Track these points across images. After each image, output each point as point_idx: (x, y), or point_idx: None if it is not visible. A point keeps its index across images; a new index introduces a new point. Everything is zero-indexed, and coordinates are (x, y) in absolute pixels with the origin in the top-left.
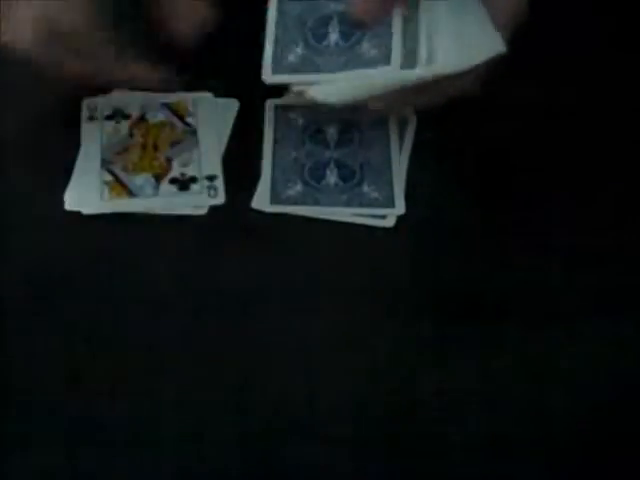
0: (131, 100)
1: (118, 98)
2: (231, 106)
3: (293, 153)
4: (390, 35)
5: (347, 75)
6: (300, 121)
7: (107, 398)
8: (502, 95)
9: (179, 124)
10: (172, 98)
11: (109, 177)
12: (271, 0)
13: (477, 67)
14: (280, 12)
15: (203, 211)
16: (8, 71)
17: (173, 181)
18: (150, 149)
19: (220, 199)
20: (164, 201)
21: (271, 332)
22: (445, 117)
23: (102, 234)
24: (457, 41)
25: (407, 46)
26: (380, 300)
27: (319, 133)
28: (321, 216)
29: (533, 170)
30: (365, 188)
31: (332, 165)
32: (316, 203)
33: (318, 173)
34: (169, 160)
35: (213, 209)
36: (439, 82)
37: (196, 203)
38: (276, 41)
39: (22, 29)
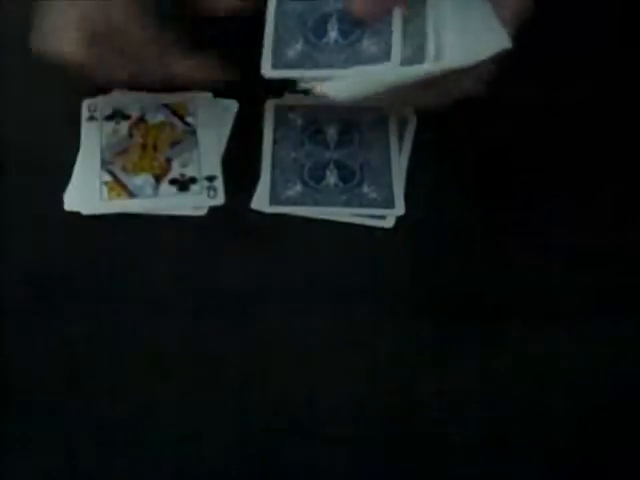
0: (131, 100)
1: (118, 99)
2: (231, 107)
3: (293, 154)
4: (390, 32)
5: (357, 71)
6: (300, 122)
7: (107, 398)
8: (502, 95)
9: (179, 124)
10: (172, 99)
11: (109, 177)
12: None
13: (483, 62)
14: (280, 11)
15: (203, 212)
16: (8, 71)
17: (173, 182)
18: (150, 149)
19: (220, 200)
20: (164, 201)
21: (271, 332)
22: (445, 117)
23: (102, 234)
24: (464, 37)
25: (407, 43)
26: (380, 300)
27: (319, 134)
28: (321, 217)
29: (533, 170)
30: (365, 189)
31: (332, 166)
32: (316, 204)
33: (318, 174)
34: (169, 160)
35: (213, 210)
36: (444, 81)
37: (196, 204)
38: (276, 37)
39: (67, 31)
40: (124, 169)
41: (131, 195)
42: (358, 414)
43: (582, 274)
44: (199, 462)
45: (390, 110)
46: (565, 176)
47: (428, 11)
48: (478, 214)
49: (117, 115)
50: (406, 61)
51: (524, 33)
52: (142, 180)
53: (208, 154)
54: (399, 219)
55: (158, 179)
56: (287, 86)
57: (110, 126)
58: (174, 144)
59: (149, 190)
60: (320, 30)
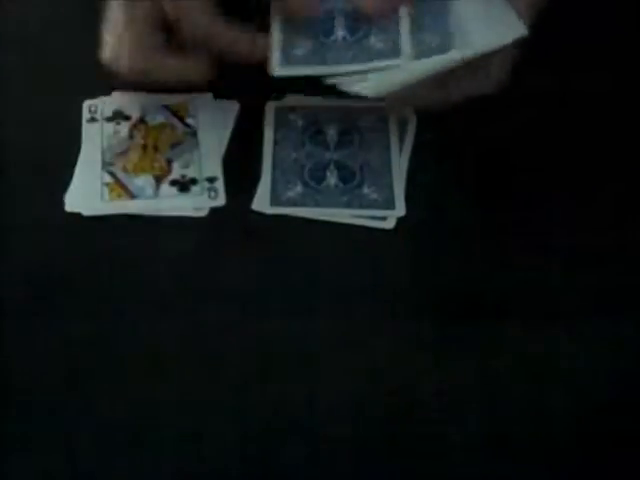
0: (131, 102)
1: (118, 100)
2: (231, 108)
3: (293, 154)
4: (397, 28)
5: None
6: (300, 122)
7: (107, 398)
8: (502, 96)
9: (179, 126)
10: (172, 100)
11: (109, 178)
12: None
13: (504, 49)
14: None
15: (203, 213)
16: (8, 71)
17: (173, 183)
18: (150, 150)
19: (220, 201)
20: (164, 202)
21: (271, 332)
22: (445, 117)
23: (102, 235)
24: (484, 25)
25: (425, 37)
26: (380, 300)
27: (319, 134)
28: (321, 217)
29: (533, 170)
30: (365, 189)
31: (332, 166)
32: (316, 205)
33: (318, 174)
34: (169, 162)
35: (213, 211)
36: (460, 78)
37: (196, 205)
38: (283, 37)
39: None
40: (125, 170)
41: (132, 196)
42: (358, 414)
43: (582, 274)
44: (199, 462)
45: (390, 110)
46: (565, 176)
47: (451, 4)
48: (478, 214)
49: (118, 116)
50: (424, 54)
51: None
52: (143, 181)
53: (209, 155)
54: (399, 220)
55: (159, 180)
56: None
57: (111, 127)
58: (175, 145)
59: (150, 191)
60: (327, 28)
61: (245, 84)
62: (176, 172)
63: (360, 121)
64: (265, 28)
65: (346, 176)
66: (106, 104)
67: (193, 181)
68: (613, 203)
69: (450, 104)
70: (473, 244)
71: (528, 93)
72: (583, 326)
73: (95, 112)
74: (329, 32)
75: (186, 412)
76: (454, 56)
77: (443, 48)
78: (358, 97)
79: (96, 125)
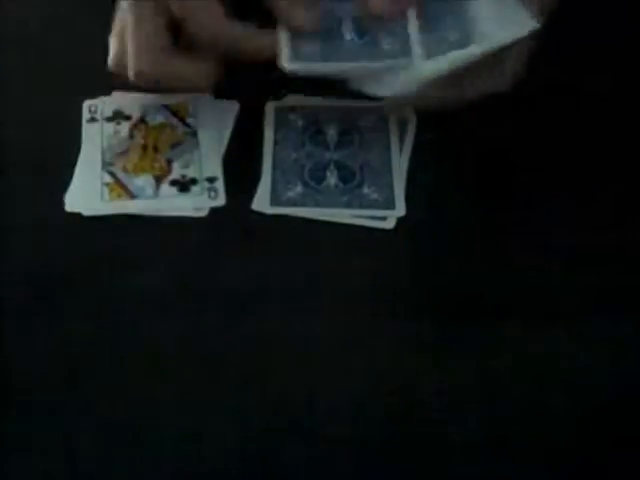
0: (131, 102)
1: (119, 100)
2: (231, 108)
3: (293, 154)
4: (406, 29)
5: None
6: (300, 123)
7: (107, 398)
8: (501, 96)
9: (179, 126)
10: (172, 100)
11: (109, 178)
12: None
13: (519, 41)
14: None
15: (203, 213)
16: (8, 71)
17: (173, 183)
18: (150, 151)
19: (220, 201)
20: (164, 202)
21: (271, 332)
22: (445, 117)
23: (102, 235)
24: (499, 20)
25: (433, 35)
26: (380, 300)
27: (319, 134)
28: (321, 217)
29: (533, 170)
30: (365, 190)
31: (332, 167)
32: (316, 205)
33: (318, 174)
34: (169, 162)
35: (213, 211)
36: (475, 76)
37: (196, 205)
38: (292, 34)
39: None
40: (125, 170)
41: (132, 196)
42: (358, 414)
43: (582, 274)
44: (199, 462)
45: (390, 110)
46: (565, 176)
47: (467, 3)
48: (478, 214)
49: (118, 116)
50: (442, 50)
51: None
52: (143, 181)
53: (209, 155)
54: (399, 220)
55: (159, 180)
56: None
57: (111, 127)
58: (175, 145)
59: (150, 191)
60: (335, 32)
61: (245, 84)
62: (176, 172)
63: (360, 121)
64: (271, 25)
65: (346, 176)
66: (106, 104)
67: (193, 181)
68: (613, 203)
69: (464, 103)
70: (473, 244)
71: (528, 93)
72: (583, 326)
73: (95, 112)
74: (337, 37)
75: (186, 412)
76: (473, 51)
77: (461, 43)
78: (359, 97)
79: (96, 125)
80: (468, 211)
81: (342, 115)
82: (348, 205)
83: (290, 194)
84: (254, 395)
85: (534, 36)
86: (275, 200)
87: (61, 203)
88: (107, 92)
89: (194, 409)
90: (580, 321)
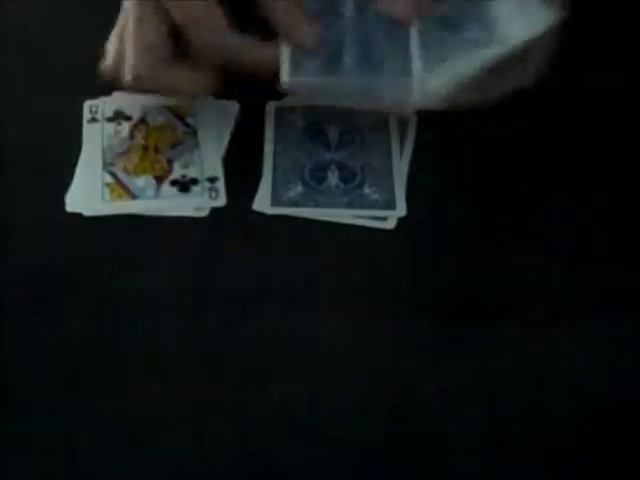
0: (132, 102)
1: (119, 100)
2: (232, 108)
3: (294, 155)
4: (407, 48)
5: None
6: (300, 123)
7: (107, 398)
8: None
9: (180, 126)
10: (173, 100)
11: (110, 179)
12: None
13: (540, 37)
14: None
15: (204, 213)
16: (8, 71)
17: (174, 183)
18: (151, 151)
19: (221, 201)
20: (165, 203)
21: (271, 332)
22: (445, 117)
23: (103, 235)
24: (521, 20)
25: (456, 36)
26: (380, 300)
27: (319, 134)
28: (322, 218)
29: (533, 170)
30: (366, 190)
31: (333, 167)
32: (317, 205)
33: (319, 175)
34: (170, 162)
35: (214, 211)
36: (499, 75)
37: (197, 205)
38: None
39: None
40: (125, 170)
41: (132, 196)
42: (358, 414)
43: (582, 274)
44: (199, 462)
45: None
46: (565, 176)
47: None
48: (478, 214)
49: (118, 116)
50: (468, 51)
51: None
52: (143, 181)
53: (209, 155)
54: (400, 220)
55: (159, 180)
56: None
57: (111, 127)
58: (175, 145)
59: (150, 191)
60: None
61: (245, 84)
62: (177, 172)
63: (361, 121)
64: (273, 38)
65: (347, 176)
66: (107, 104)
67: (194, 181)
68: (613, 203)
69: (488, 103)
70: (473, 244)
71: (528, 93)
72: (583, 326)
73: (96, 112)
74: (339, 54)
75: (186, 412)
76: (497, 51)
77: (485, 44)
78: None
79: (97, 125)
80: (468, 211)
81: (342, 115)
82: (349, 205)
83: (291, 194)
84: (254, 395)
85: (556, 31)
86: (276, 200)
87: (62, 203)
88: (108, 92)
89: (194, 409)
90: (580, 321)
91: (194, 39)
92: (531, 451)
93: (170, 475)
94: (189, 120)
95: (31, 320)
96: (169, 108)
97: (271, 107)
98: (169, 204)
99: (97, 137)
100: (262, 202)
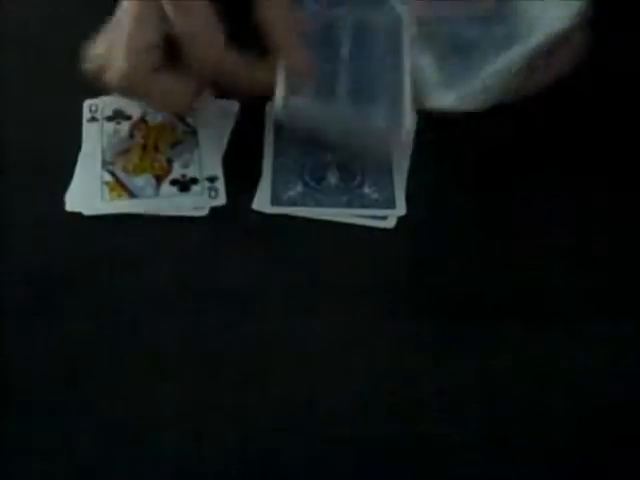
0: (132, 101)
1: (119, 99)
2: (232, 108)
3: (294, 154)
4: (401, 93)
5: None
6: None
7: (107, 398)
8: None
9: (179, 125)
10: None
11: (110, 178)
12: None
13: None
14: None
15: (204, 212)
16: (8, 71)
17: (174, 182)
18: (151, 150)
19: (221, 200)
20: (165, 202)
21: (271, 332)
22: (445, 117)
23: (103, 235)
24: (547, 10)
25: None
26: (380, 300)
27: (319, 134)
28: (322, 217)
29: (533, 170)
30: (366, 189)
31: (333, 166)
32: (317, 204)
33: (318, 174)
34: (170, 161)
35: (214, 210)
36: (533, 68)
37: (197, 204)
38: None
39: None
40: (125, 170)
41: (132, 196)
42: (358, 414)
43: (582, 274)
44: (199, 462)
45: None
46: (565, 176)
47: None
48: (478, 214)
49: (118, 116)
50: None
51: None
52: (143, 181)
53: (209, 154)
54: (400, 219)
55: (159, 180)
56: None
57: (111, 127)
58: (175, 145)
59: (150, 191)
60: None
61: None
62: (176, 172)
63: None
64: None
65: (347, 176)
66: (106, 103)
67: (193, 181)
68: (613, 203)
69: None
70: (473, 244)
71: (528, 93)
72: (583, 326)
73: (95, 111)
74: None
75: (186, 412)
76: (533, 44)
77: (519, 38)
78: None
79: (96, 124)
80: (468, 211)
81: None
82: (349, 205)
83: (290, 193)
84: (254, 395)
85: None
86: (275, 200)
87: (61, 203)
88: (107, 92)
89: (194, 409)
90: (580, 321)
91: (190, 51)
92: (531, 451)
93: (170, 475)
94: (189, 119)
95: (31, 320)
96: None
97: (271, 107)
98: (169, 203)
99: (97, 136)
100: (262, 201)
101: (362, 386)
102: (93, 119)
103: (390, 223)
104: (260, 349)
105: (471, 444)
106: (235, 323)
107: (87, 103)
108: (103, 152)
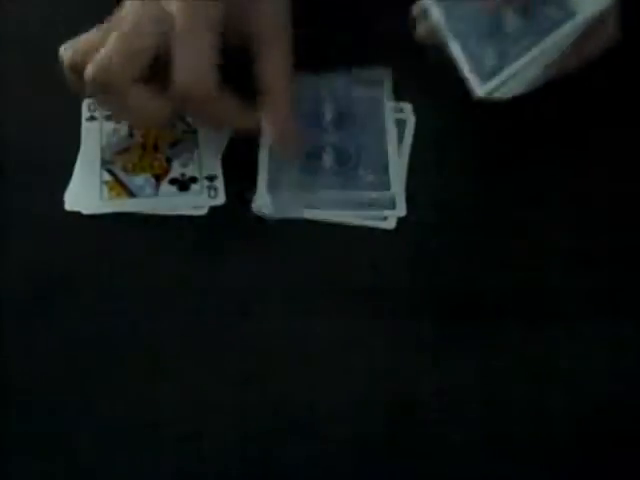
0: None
1: None
2: None
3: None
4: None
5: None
6: None
7: (107, 398)
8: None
9: (179, 124)
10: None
11: (109, 177)
12: None
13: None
14: None
15: (203, 211)
16: (8, 71)
17: (173, 181)
18: (150, 149)
19: (220, 199)
20: (164, 201)
21: (271, 332)
22: (445, 116)
23: (102, 234)
24: None
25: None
26: (380, 300)
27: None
28: (321, 217)
29: (533, 169)
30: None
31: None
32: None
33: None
34: (169, 160)
35: (213, 209)
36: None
37: (196, 203)
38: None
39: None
40: (124, 169)
41: (131, 195)
42: (358, 414)
43: (582, 274)
44: (199, 462)
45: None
46: (565, 176)
47: None
48: (478, 214)
49: None
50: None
51: None
52: (142, 180)
53: (208, 154)
54: (400, 220)
55: (158, 179)
56: None
57: (110, 126)
58: (174, 144)
59: (149, 190)
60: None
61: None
62: (176, 171)
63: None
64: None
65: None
66: None
67: (193, 180)
68: (613, 203)
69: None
70: (473, 244)
71: (528, 93)
72: (583, 326)
73: (95, 111)
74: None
75: (186, 412)
76: (579, 21)
77: (566, 17)
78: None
79: (96, 124)
80: (468, 211)
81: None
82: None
83: (289, 192)
84: (254, 395)
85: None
86: (275, 199)
87: (61, 202)
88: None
89: (194, 409)
90: (580, 321)
91: (178, 79)
92: (531, 451)
93: (170, 475)
94: (188, 119)
95: (31, 320)
96: None
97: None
98: (168, 203)
99: (96, 135)
100: (261, 201)
101: (362, 386)
102: (92, 118)
103: (390, 224)
104: (260, 349)
105: (471, 444)
106: (235, 323)
107: (86, 102)
108: (102, 151)
